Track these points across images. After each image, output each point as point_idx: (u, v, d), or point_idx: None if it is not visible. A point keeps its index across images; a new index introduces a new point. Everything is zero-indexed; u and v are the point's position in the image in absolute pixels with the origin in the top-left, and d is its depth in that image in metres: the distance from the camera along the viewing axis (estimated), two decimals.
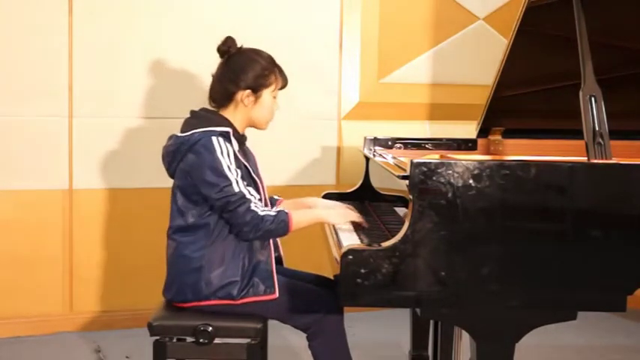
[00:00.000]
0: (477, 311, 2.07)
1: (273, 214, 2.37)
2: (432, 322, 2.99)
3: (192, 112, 2.52)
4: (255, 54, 2.51)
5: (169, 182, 2.53)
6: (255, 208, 2.35)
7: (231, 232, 2.40)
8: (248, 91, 2.47)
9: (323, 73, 4.17)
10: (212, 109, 2.53)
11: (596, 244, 2.04)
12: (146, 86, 3.85)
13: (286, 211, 2.40)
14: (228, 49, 2.50)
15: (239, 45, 2.52)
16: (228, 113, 2.50)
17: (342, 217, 2.52)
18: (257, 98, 2.49)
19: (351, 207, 2.66)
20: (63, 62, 3.73)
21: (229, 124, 2.47)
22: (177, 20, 3.88)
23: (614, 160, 2.20)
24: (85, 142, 3.79)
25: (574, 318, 2.11)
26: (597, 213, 2.05)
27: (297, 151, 4.13)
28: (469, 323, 2.11)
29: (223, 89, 2.50)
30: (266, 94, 2.50)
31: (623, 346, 3.82)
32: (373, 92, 4.30)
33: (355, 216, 2.53)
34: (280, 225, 2.36)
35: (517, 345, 2.11)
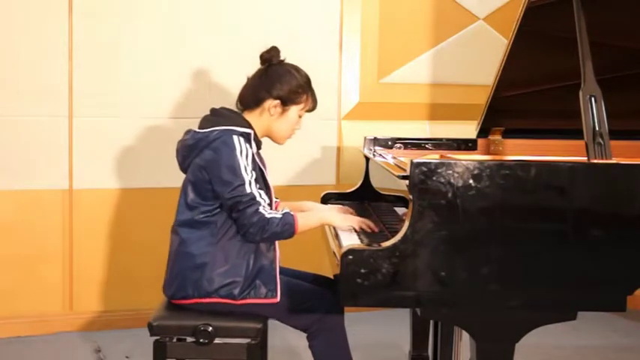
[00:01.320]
0: (477, 311, 2.07)
1: (279, 216, 2.37)
2: (432, 322, 2.99)
3: (213, 110, 2.54)
4: (294, 70, 2.54)
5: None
6: (262, 211, 2.36)
7: (238, 232, 2.41)
8: (278, 101, 2.50)
9: (323, 73, 4.17)
10: (235, 109, 2.55)
11: (596, 244, 2.04)
12: (146, 86, 3.85)
13: (292, 213, 2.40)
14: (270, 57, 2.53)
15: (282, 57, 2.54)
16: (251, 117, 2.52)
17: (347, 221, 2.51)
18: (284, 111, 2.52)
19: (350, 210, 2.66)
20: (63, 62, 3.73)
21: (250, 127, 2.48)
22: (177, 20, 3.87)
23: (614, 160, 2.20)
24: (85, 142, 3.79)
25: (574, 318, 2.11)
26: (597, 213, 2.05)
27: (297, 151, 4.13)
28: (469, 323, 2.11)
29: (255, 94, 2.52)
30: (293, 110, 2.53)
31: (623, 346, 3.82)
32: (373, 92, 4.30)
33: (359, 222, 2.50)
34: (286, 227, 2.37)
35: (517, 345, 2.11)
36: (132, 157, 3.86)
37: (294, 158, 4.13)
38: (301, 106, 2.54)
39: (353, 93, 4.27)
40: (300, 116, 2.56)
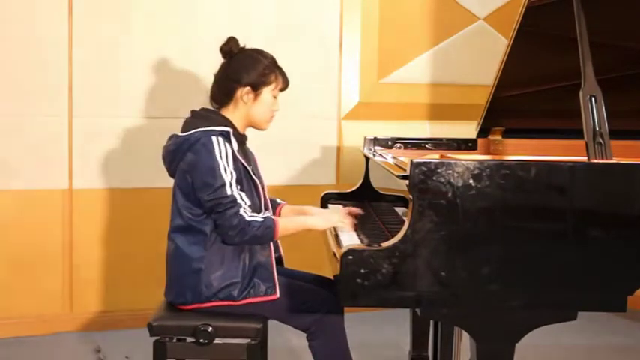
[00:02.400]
0: (477, 311, 2.07)
1: (260, 219, 2.37)
2: (432, 322, 2.99)
3: (193, 112, 2.53)
4: (257, 53, 2.53)
5: (169, 182, 2.54)
6: (243, 213, 2.35)
7: (217, 233, 2.40)
8: (248, 87, 2.48)
9: (323, 73, 4.17)
10: (212, 108, 2.54)
11: (596, 244, 2.04)
12: (146, 86, 3.85)
13: (273, 217, 2.40)
14: (230, 49, 2.51)
15: (241, 45, 2.53)
16: (228, 112, 2.51)
17: (328, 222, 2.52)
18: (257, 96, 2.50)
19: (352, 210, 2.65)
20: (63, 62, 3.73)
21: (229, 124, 2.47)
22: (177, 20, 3.88)
23: (614, 160, 2.20)
24: (85, 142, 3.79)
25: (574, 318, 2.11)
26: (597, 213, 2.05)
27: (297, 151, 4.13)
28: (469, 323, 2.11)
29: (224, 87, 2.51)
30: (266, 92, 2.51)
31: (623, 346, 3.82)
32: (373, 92, 4.30)
33: (339, 220, 2.51)
34: (266, 231, 2.37)
35: (517, 345, 2.11)
36: (132, 157, 3.86)
37: (294, 158, 4.13)
38: (272, 86, 2.51)
39: (353, 93, 4.27)
40: (274, 97, 2.53)
